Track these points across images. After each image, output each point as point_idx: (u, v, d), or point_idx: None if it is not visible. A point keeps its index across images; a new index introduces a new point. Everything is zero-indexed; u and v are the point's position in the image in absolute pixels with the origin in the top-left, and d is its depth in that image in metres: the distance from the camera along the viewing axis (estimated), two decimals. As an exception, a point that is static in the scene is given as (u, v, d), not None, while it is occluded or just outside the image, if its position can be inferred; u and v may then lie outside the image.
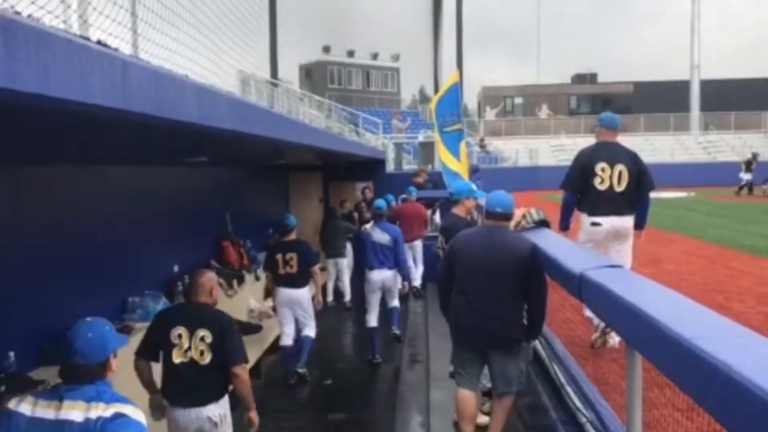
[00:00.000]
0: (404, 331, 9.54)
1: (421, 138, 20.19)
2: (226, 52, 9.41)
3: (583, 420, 4.58)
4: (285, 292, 7.48)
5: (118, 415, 2.61)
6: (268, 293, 7.95)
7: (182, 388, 4.12)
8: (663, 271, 10.79)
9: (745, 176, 31.25)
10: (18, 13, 1.97)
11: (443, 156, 10.70)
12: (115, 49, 2.50)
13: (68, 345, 2.75)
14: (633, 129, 47.25)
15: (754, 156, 32.16)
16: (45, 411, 2.67)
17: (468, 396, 5.04)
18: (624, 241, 5.94)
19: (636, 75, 54.24)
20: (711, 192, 31.27)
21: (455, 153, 10.75)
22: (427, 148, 18.02)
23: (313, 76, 44.55)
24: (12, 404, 2.72)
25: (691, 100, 46.83)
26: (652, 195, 6.11)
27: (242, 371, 4.24)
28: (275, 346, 7.85)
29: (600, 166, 5.72)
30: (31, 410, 2.68)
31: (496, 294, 4.79)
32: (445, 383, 6.22)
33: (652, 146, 43.46)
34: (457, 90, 10.80)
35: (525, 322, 4.95)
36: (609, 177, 5.68)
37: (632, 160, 5.79)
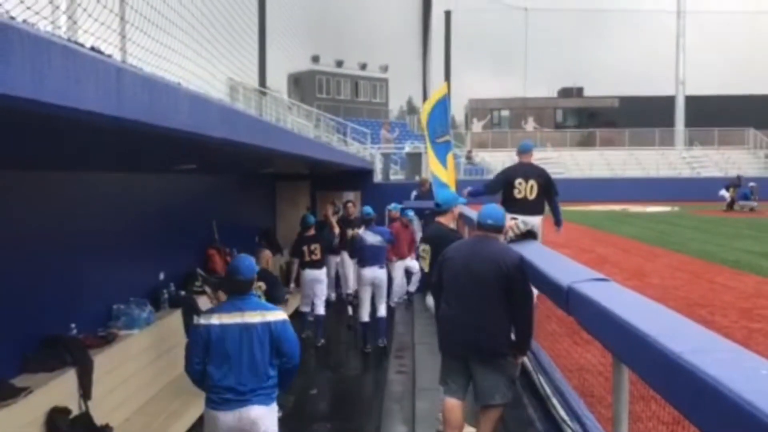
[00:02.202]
0: (390, 342, 9.53)
1: (407, 149, 20.23)
2: (217, 58, 9.40)
3: (569, 432, 4.59)
4: (310, 273, 9.58)
5: (284, 321, 4.22)
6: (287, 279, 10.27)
7: None
8: (648, 284, 10.86)
9: (726, 194, 31.68)
10: (12, 18, 1.97)
11: (433, 166, 10.73)
12: (109, 56, 2.50)
13: (235, 268, 4.28)
14: (618, 143, 47.64)
15: (739, 178, 32.63)
16: (231, 319, 4.10)
17: (454, 405, 5.04)
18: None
19: (622, 89, 54.49)
20: (695, 207, 31.55)
21: (443, 164, 10.79)
22: (414, 159, 18.07)
23: (302, 85, 44.59)
24: (203, 320, 4.16)
25: (676, 116, 47.32)
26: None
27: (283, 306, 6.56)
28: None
29: (518, 181, 7.48)
30: (219, 321, 4.10)
31: (480, 305, 4.79)
32: (431, 394, 6.21)
33: (637, 160, 43.83)
34: (445, 102, 10.84)
35: (513, 336, 4.95)
36: (524, 189, 7.46)
37: (541, 176, 7.64)
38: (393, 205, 12.09)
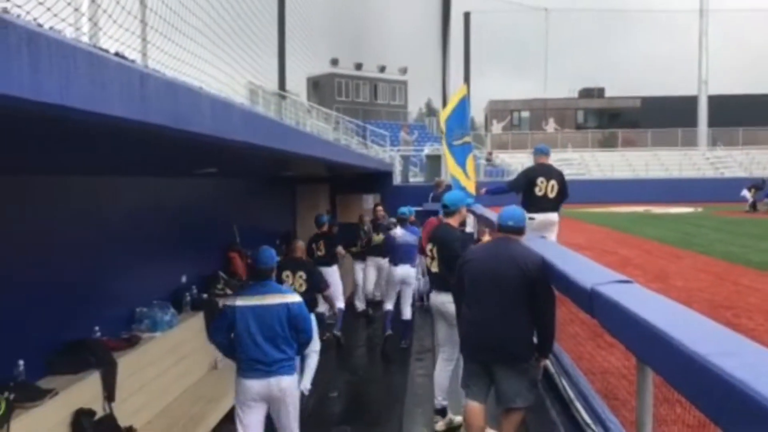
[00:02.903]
0: (411, 344, 9.52)
1: (427, 151, 20.21)
2: (237, 62, 9.46)
3: (592, 436, 4.55)
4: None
5: (300, 303, 4.84)
6: None
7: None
8: (671, 287, 10.75)
9: (748, 195, 31.29)
10: (40, 25, 2.00)
11: (452, 170, 10.71)
12: (133, 61, 2.52)
13: (257, 258, 4.96)
14: (640, 144, 47.22)
15: (764, 181, 32.19)
16: (253, 301, 4.74)
17: (475, 408, 5.03)
18: (551, 229, 7.90)
19: (644, 90, 54.05)
20: (718, 208, 31.18)
21: (463, 167, 10.76)
22: (434, 161, 18.07)
23: (321, 88, 44.69)
24: (229, 302, 4.86)
25: (699, 116, 46.72)
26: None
27: (328, 292, 7.53)
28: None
29: (540, 179, 7.86)
30: (243, 302, 4.73)
31: (502, 308, 4.77)
32: (452, 396, 6.20)
33: (660, 161, 43.40)
34: (465, 104, 10.82)
35: (534, 339, 4.92)
36: (545, 188, 7.84)
37: (561, 176, 8.09)
38: (407, 208, 11.69)
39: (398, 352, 9.11)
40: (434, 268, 6.21)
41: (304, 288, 6.94)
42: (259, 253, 4.99)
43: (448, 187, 10.76)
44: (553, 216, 7.96)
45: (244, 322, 4.67)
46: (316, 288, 7.10)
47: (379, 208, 12.04)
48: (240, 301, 4.76)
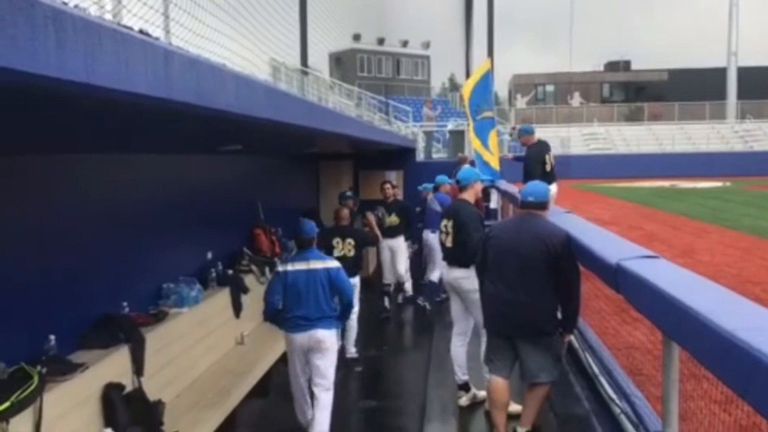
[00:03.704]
0: (436, 318, 9.57)
1: (450, 126, 20.05)
2: (259, 38, 9.45)
3: (617, 411, 4.55)
4: None
5: (339, 268, 5.64)
6: None
7: (343, 267, 6.02)
8: (698, 262, 10.65)
9: None
10: (65, 3, 2.00)
11: (475, 145, 10.67)
12: (156, 38, 2.53)
13: (300, 230, 5.76)
14: (667, 117, 46.49)
15: None
16: (300, 266, 5.56)
17: (499, 383, 5.05)
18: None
19: (670, 62, 53.15)
20: (747, 182, 30.67)
21: (485, 141, 10.70)
22: (457, 137, 17.92)
23: (343, 64, 44.52)
24: (280, 268, 5.69)
25: (728, 88, 45.79)
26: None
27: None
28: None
29: (547, 156, 8.70)
30: (292, 267, 5.57)
31: (526, 283, 4.77)
32: (475, 372, 6.22)
33: (687, 135, 42.72)
34: (488, 78, 10.73)
35: (559, 314, 4.92)
36: (548, 162, 8.64)
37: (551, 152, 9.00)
38: (426, 185, 11.27)
39: (421, 326, 9.17)
40: (449, 243, 6.22)
41: (353, 253, 7.75)
42: (302, 225, 5.78)
43: (472, 164, 10.72)
44: (554, 187, 8.46)
45: (294, 284, 5.48)
46: (366, 246, 8.41)
47: (387, 185, 10.74)
48: (290, 266, 5.61)
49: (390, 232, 10.27)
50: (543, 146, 8.95)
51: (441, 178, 10.57)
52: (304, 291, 5.47)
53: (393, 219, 10.41)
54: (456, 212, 6.18)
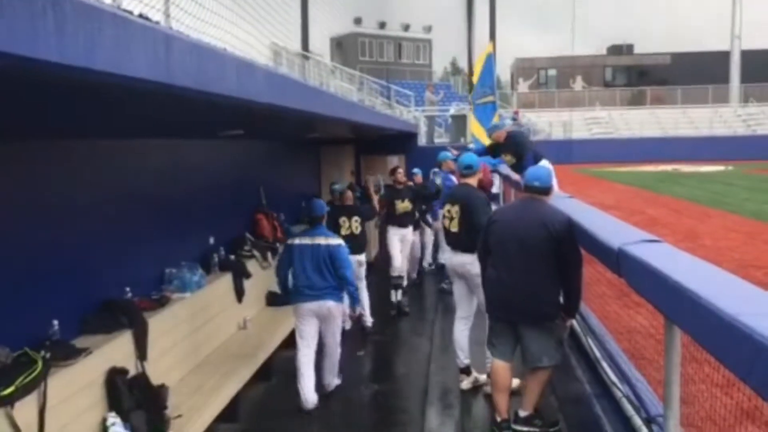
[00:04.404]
0: (439, 302, 9.59)
1: (452, 111, 19.97)
2: (260, 22, 9.39)
3: (619, 395, 4.55)
4: None
5: (340, 244, 6.18)
6: None
7: (350, 245, 6.77)
8: (700, 246, 10.65)
9: None
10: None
11: (475, 129, 10.62)
12: (157, 23, 2.52)
13: (310, 208, 6.46)
14: (670, 101, 46.27)
15: None
16: (305, 241, 6.18)
17: (501, 367, 5.07)
18: None
19: (673, 46, 52.82)
20: (750, 166, 30.60)
21: (487, 125, 10.66)
22: (459, 121, 17.86)
23: (345, 48, 44.30)
24: (289, 241, 6.39)
25: (731, 72, 45.55)
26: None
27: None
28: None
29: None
30: (300, 241, 6.21)
31: (527, 268, 4.77)
32: (477, 356, 6.25)
33: (689, 119, 42.57)
34: (490, 62, 10.68)
35: (561, 298, 4.92)
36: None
37: None
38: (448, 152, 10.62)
39: (421, 312, 9.19)
40: (453, 228, 6.19)
41: (359, 230, 8.32)
42: (312, 204, 6.50)
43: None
44: None
45: (300, 257, 6.10)
46: (369, 218, 8.93)
47: (399, 171, 10.08)
48: (297, 240, 6.24)
49: (401, 220, 9.74)
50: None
51: (444, 154, 9.79)
52: (308, 264, 6.06)
53: (405, 204, 9.78)
54: (464, 197, 6.12)
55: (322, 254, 6.07)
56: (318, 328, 6.21)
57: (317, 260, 6.05)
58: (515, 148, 8.20)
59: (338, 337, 6.38)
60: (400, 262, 9.60)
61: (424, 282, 11.18)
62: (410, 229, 9.99)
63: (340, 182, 10.03)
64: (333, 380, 6.46)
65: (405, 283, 9.71)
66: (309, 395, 6.05)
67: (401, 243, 9.76)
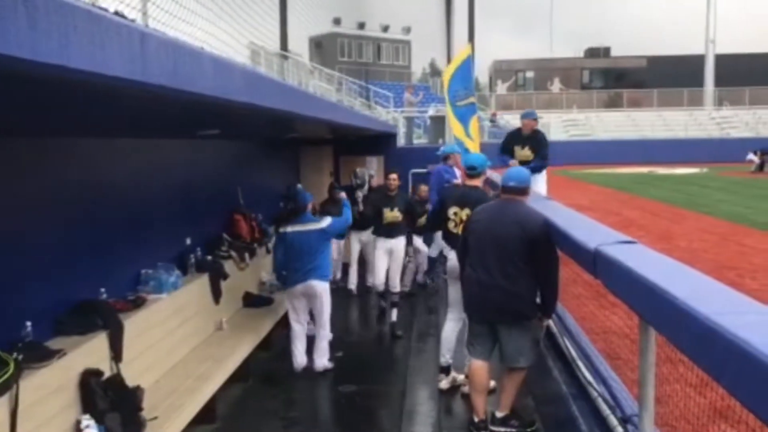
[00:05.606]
0: (419, 302, 9.59)
1: (431, 112, 20.02)
2: (238, 22, 9.34)
3: (595, 394, 4.60)
4: None
5: (329, 224, 6.99)
6: None
7: (385, 231, 8.70)
8: (675, 247, 10.77)
9: (755, 158, 31.17)
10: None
11: (456, 131, 10.62)
12: (133, 20, 2.49)
13: (294, 196, 7.33)
14: (646, 104, 46.80)
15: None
16: (298, 228, 6.92)
17: (479, 367, 5.10)
18: (538, 180, 8.46)
19: (650, 49, 53.43)
20: (724, 168, 31.04)
21: (466, 127, 10.68)
22: (438, 123, 17.88)
23: (324, 48, 44.20)
24: (281, 229, 7.08)
25: (706, 75, 46.23)
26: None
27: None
28: (285, 320, 7.86)
29: (519, 145, 8.85)
30: (292, 229, 6.95)
31: (504, 268, 4.79)
32: (455, 356, 6.26)
33: (665, 121, 43.08)
34: (469, 64, 10.69)
35: (538, 299, 4.95)
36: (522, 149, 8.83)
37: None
38: (450, 147, 10.55)
39: (408, 309, 9.19)
40: (459, 231, 6.05)
41: (400, 218, 8.81)
42: (298, 195, 7.31)
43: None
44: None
45: (292, 243, 6.87)
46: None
47: (393, 177, 8.94)
48: (290, 228, 6.96)
49: (390, 231, 8.78)
50: (519, 133, 9.07)
51: (450, 147, 9.69)
52: (300, 248, 6.82)
53: (395, 214, 8.75)
54: (476, 201, 5.75)
55: (314, 237, 6.88)
56: (307, 305, 7.06)
57: (308, 244, 6.83)
58: (538, 144, 8.78)
59: (327, 315, 7.05)
60: (382, 277, 8.81)
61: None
62: (401, 240, 8.92)
63: (361, 171, 10.14)
64: (325, 362, 7.03)
65: (397, 299, 8.73)
66: (299, 357, 7.02)
67: (388, 256, 8.77)
